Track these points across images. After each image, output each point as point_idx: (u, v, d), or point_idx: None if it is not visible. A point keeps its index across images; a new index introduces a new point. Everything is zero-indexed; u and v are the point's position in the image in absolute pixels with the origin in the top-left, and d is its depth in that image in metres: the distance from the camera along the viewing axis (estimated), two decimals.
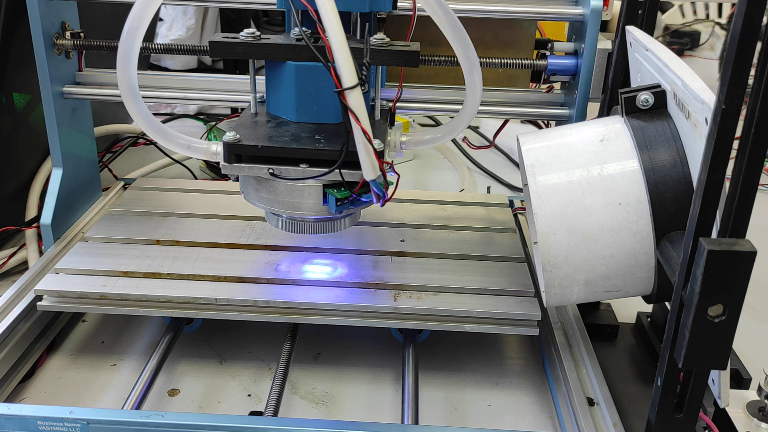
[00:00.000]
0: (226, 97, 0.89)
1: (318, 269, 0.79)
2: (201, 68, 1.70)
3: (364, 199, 0.67)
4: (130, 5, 0.61)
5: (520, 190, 1.26)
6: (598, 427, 0.63)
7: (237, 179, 0.74)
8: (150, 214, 0.90)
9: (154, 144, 1.25)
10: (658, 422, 0.52)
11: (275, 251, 0.82)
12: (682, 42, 2.37)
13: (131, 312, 0.73)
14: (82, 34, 0.86)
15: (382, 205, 0.66)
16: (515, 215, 0.97)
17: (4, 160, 0.95)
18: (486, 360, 0.80)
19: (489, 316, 0.73)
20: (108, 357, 0.78)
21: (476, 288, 0.76)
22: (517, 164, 1.37)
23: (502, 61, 0.83)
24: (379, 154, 0.61)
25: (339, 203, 0.66)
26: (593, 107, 0.82)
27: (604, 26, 0.81)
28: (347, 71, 0.57)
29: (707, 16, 2.57)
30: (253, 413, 0.67)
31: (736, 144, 0.44)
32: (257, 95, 0.72)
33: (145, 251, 0.81)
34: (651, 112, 0.62)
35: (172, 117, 1.51)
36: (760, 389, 0.63)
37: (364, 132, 0.59)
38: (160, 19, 1.61)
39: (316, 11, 0.58)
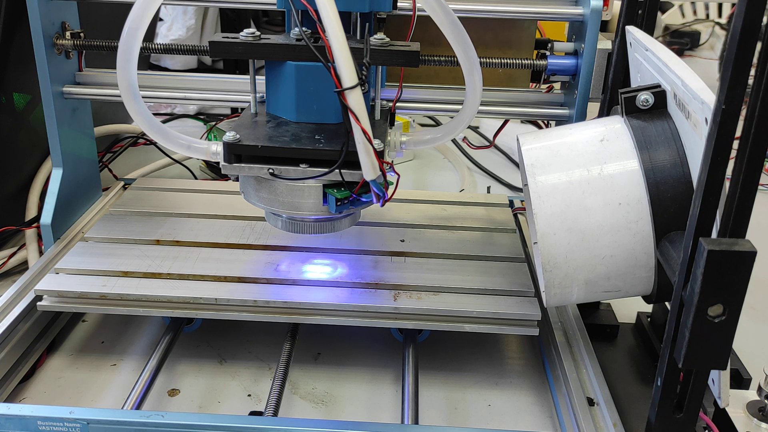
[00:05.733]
0: (226, 97, 0.89)
1: (318, 269, 0.79)
2: (201, 68, 1.70)
3: (364, 199, 0.67)
4: (130, 5, 0.61)
5: (520, 190, 1.26)
6: (598, 427, 0.63)
7: (237, 179, 0.74)
8: (150, 214, 0.90)
9: (154, 144, 1.25)
10: (658, 422, 0.52)
11: (275, 251, 0.82)
12: (682, 42, 2.37)
13: (131, 312, 0.73)
14: (82, 34, 0.86)
15: (382, 205, 0.66)
16: (515, 215, 0.97)
17: (4, 160, 0.95)
18: (486, 360, 0.80)
19: (489, 316, 0.73)
20: (108, 357, 0.78)
21: (476, 288, 0.76)
22: (517, 164, 1.37)
23: (502, 61, 0.83)
24: (379, 154, 0.61)
25: (339, 203, 0.66)
26: (593, 107, 0.82)
27: (604, 26, 0.81)
28: (347, 71, 0.57)
29: (707, 16, 2.57)
30: (253, 413, 0.67)
31: (736, 144, 0.44)
32: (257, 95, 0.72)
33: (145, 251, 0.81)
34: (651, 112, 0.62)
35: (172, 117, 1.51)
36: (760, 389, 0.63)
37: (364, 132, 0.59)
38: (160, 19, 1.61)
39: (316, 11, 0.58)
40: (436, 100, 0.88)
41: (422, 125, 1.52)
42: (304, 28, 0.65)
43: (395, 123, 0.77)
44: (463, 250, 0.84)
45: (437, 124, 1.52)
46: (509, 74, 0.92)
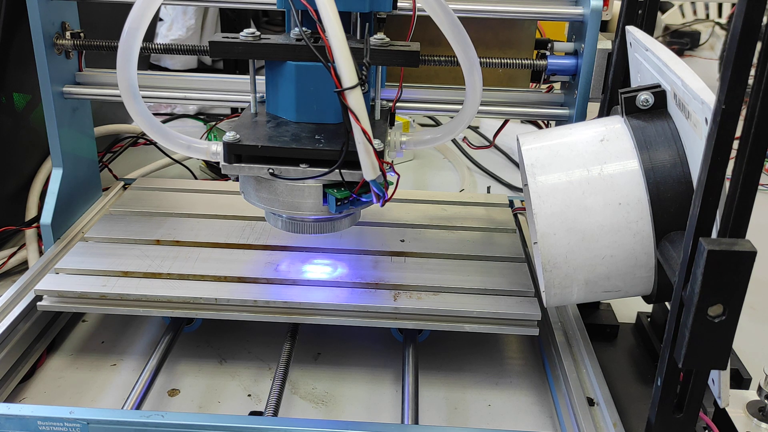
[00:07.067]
0: (226, 97, 0.89)
1: (318, 269, 0.79)
2: (201, 68, 1.70)
3: (364, 199, 0.67)
4: (130, 5, 0.61)
5: (520, 190, 1.26)
6: (598, 427, 0.63)
7: (237, 179, 0.74)
8: (150, 214, 0.90)
9: (154, 144, 1.25)
10: (658, 422, 0.52)
11: (275, 251, 0.82)
12: (682, 42, 2.37)
13: (131, 312, 0.73)
14: (82, 34, 0.86)
15: (382, 205, 0.66)
16: (515, 215, 0.97)
17: (4, 160, 0.95)
18: (486, 360, 0.80)
19: (489, 316, 0.73)
20: (108, 357, 0.78)
21: (476, 288, 0.76)
22: (517, 164, 1.37)
23: (502, 61, 0.83)
24: (379, 154, 0.61)
25: (339, 203, 0.66)
26: (593, 107, 0.82)
27: (604, 26, 0.81)
28: (347, 71, 0.57)
29: (707, 16, 2.57)
30: (253, 413, 0.67)
31: (736, 144, 0.44)
32: (257, 95, 0.72)
33: (145, 251, 0.81)
34: (651, 112, 0.62)
35: (172, 117, 1.51)
36: (760, 389, 0.63)
37: (364, 132, 0.59)
38: (160, 19, 1.61)
39: (316, 11, 0.58)
40: (436, 100, 0.88)
41: (422, 125, 1.52)
42: (304, 28, 0.65)
43: (395, 123, 0.77)
44: (463, 250, 0.84)
45: (437, 124, 1.52)
46: (509, 74, 0.92)
